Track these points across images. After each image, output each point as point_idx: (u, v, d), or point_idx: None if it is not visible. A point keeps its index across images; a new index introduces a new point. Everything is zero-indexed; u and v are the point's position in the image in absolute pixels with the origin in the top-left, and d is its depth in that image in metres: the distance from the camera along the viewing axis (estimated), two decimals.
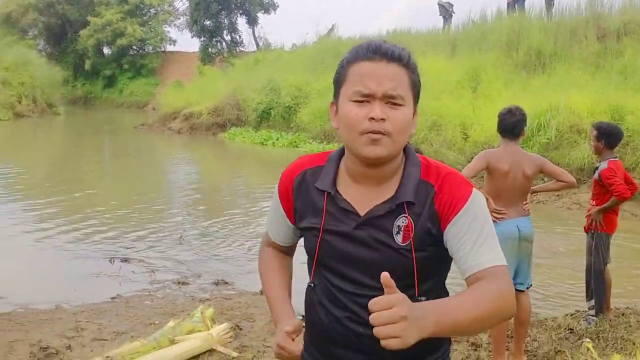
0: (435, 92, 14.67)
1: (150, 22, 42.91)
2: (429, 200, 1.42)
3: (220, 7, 41.05)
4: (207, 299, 5.20)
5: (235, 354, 3.92)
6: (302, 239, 1.61)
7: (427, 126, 13.48)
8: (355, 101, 1.39)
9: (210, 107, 22.38)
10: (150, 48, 43.13)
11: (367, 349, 1.46)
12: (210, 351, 3.94)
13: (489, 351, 4.05)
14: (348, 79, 1.41)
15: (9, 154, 16.57)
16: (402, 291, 1.26)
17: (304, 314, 1.64)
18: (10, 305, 5.00)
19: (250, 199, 10.90)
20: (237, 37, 43.32)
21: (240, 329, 4.44)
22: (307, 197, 1.53)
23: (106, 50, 44.17)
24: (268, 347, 4.14)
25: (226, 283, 5.79)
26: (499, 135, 3.99)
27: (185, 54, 44.14)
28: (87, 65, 42.85)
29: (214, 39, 42.46)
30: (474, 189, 1.44)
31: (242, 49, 41.98)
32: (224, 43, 42.88)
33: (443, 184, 1.43)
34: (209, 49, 41.64)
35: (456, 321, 1.22)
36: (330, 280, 1.50)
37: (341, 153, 1.54)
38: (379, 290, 1.28)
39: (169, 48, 45.04)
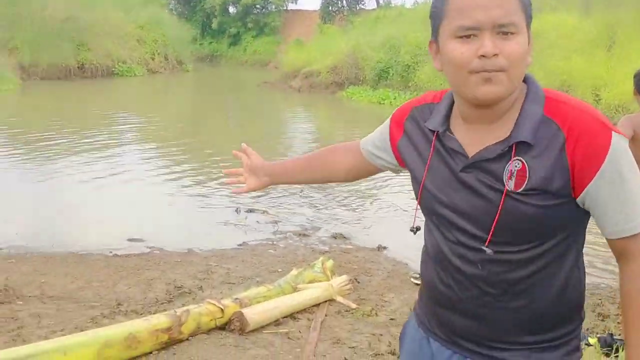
0: (565, 51, 13.86)
1: None
2: (556, 147, 1.19)
3: None
4: (327, 252, 5.38)
5: (354, 306, 4.06)
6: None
7: (556, 86, 12.81)
8: (460, 37, 1.19)
9: (329, 65, 22.53)
10: (273, 7, 43.84)
11: (473, 313, 1.30)
12: (330, 301, 4.11)
13: (618, 322, 3.92)
14: (448, 12, 1.21)
15: (144, 108, 17.71)
16: (506, 246, 1.23)
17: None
18: (148, 248, 5.46)
19: None
20: None
21: (359, 282, 4.57)
22: (418, 131, 1.39)
23: (232, 9, 45.43)
24: (386, 301, 4.26)
25: (344, 237, 5.95)
26: (635, 97, 3.72)
27: (306, 12, 44.49)
28: (214, 24, 44.45)
29: None
30: (613, 133, 1.18)
31: (363, 7, 41.63)
32: (344, 1, 42.68)
33: (575, 128, 1.18)
34: (330, 8, 41.65)
35: None
36: (435, 227, 1.36)
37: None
38: (483, 241, 1.24)
39: (291, 7, 45.63)
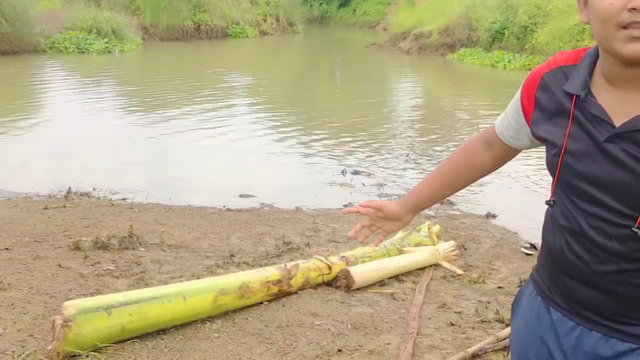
0: None
1: None
2: None
3: None
4: (433, 216, 5.34)
5: (460, 272, 4.02)
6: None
7: None
8: None
9: (441, 26, 21.89)
10: None
11: (604, 287, 1.22)
12: (436, 265, 4.09)
13: None
14: None
15: (255, 69, 18.13)
16: None
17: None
18: (259, 204, 5.66)
19: (476, 125, 10.69)
20: None
21: (465, 249, 4.51)
22: (552, 99, 1.29)
23: None
24: (494, 269, 4.18)
25: (451, 203, 5.86)
26: None
27: None
28: None
29: None
30: None
31: None
32: None
33: None
34: None
35: None
36: (571, 199, 1.25)
37: (597, 51, 1.25)
38: (629, 219, 1.15)
39: None
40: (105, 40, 19.52)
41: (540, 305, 1.38)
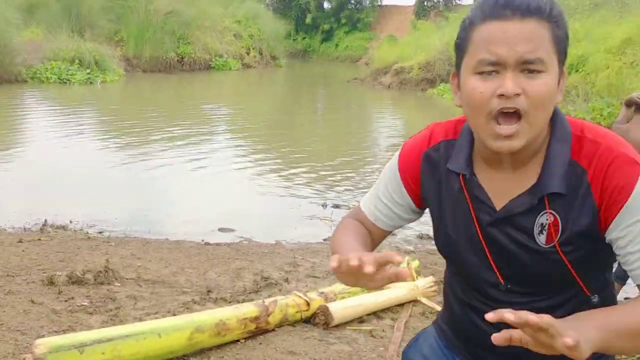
0: None
1: None
2: (584, 192, 1.11)
3: None
4: (412, 252, 5.34)
5: (439, 308, 4.00)
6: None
7: None
8: (480, 73, 1.08)
9: (421, 62, 22.23)
10: (368, 2, 43.82)
11: (504, 352, 1.18)
12: (415, 302, 4.07)
13: None
14: (471, 45, 1.10)
15: (237, 101, 18.20)
16: (566, 294, 1.18)
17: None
18: (238, 238, 5.62)
19: None
20: None
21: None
22: (438, 177, 1.27)
23: (326, 5, 45.78)
24: None
25: (430, 238, 5.87)
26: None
27: (401, 7, 44.13)
28: (308, 19, 44.89)
29: None
30: None
31: (459, 2, 40.77)
32: None
33: (600, 166, 1.10)
34: (425, 3, 41.10)
35: (620, 333, 1.04)
36: (458, 273, 1.34)
37: None
38: (515, 294, 1.21)
39: (385, 2, 45.41)
40: (87, 71, 19.51)
41: (445, 352, 1.42)
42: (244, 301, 3.78)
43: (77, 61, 19.58)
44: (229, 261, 4.83)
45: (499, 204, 1.17)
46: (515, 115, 1.06)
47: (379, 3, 44.53)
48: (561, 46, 1.09)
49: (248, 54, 29.85)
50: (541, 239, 1.14)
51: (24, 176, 7.70)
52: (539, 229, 1.14)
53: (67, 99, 16.27)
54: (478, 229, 1.20)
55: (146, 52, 24.53)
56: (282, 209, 6.82)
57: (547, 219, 1.13)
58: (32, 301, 3.67)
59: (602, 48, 15.58)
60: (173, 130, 11.66)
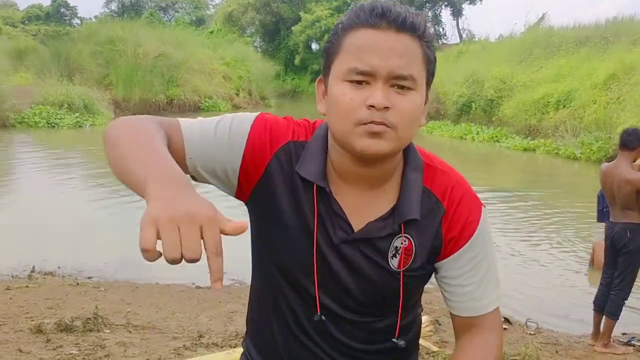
0: None
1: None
2: (436, 221, 1.13)
3: None
4: None
5: (435, 348, 3.94)
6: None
7: None
8: (351, 81, 1.03)
9: None
10: None
11: None
12: None
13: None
14: (343, 50, 1.05)
15: None
16: (382, 318, 1.17)
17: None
18: (229, 280, 5.54)
19: None
20: (440, 29, 42.93)
21: (440, 324, 4.44)
22: (287, 177, 1.14)
23: (314, 46, 46.42)
24: None
25: None
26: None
27: None
28: (297, 60, 45.47)
29: None
30: (483, 208, 1.16)
31: (445, 42, 41.55)
32: None
33: (453, 201, 1.13)
34: None
35: None
36: (287, 291, 1.19)
37: (326, 137, 1.15)
38: (360, 314, 1.17)
39: None
40: (76, 114, 19.55)
41: None
42: (236, 346, 3.70)
43: (66, 105, 19.63)
44: (221, 304, 4.76)
45: (355, 222, 1.12)
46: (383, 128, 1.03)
47: None
48: (430, 67, 1.07)
49: (237, 94, 30.08)
50: (394, 263, 1.13)
51: (11, 222, 7.60)
52: (393, 252, 1.13)
53: (55, 143, 16.24)
54: (315, 245, 1.12)
55: (135, 94, 24.65)
56: None
57: (402, 243, 1.12)
58: (20, 350, 3.57)
59: (587, 84, 15.83)
60: None
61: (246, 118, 1.15)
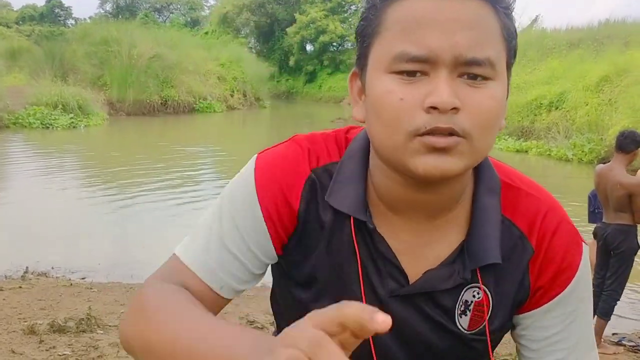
0: None
1: (350, 19, 44.36)
2: (522, 264, 0.82)
3: None
4: None
5: None
6: None
7: None
8: (400, 73, 0.71)
9: None
10: (350, 44, 44.55)
11: None
12: None
13: None
14: (385, 29, 0.73)
15: (222, 143, 18.24)
16: None
17: None
18: None
19: None
20: None
21: None
22: (317, 215, 0.84)
23: (309, 47, 46.55)
24: None
25: None
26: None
27: None
28: (291, 61, 45.60)
29: None
30: (584, 245, 0.83)
31: None
32: None
33: (543, 230, 0.81)
34: None
35: None
36: None
37: (366, 152, 0.84)
38: None
39: None
40: (71, 115, 19.52)
41: None
42: None
43: (60, 106, 19.59)
44: None
45: (410, 268, 0.82)
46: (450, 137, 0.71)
47: None
48: (512, 44, 0.75)
49: (232, 96, 30.09)
50: (464, 322, 0.82)
51: (4, 222, 7.60)
52: (462, 308, 0.82)
53: (49, 144, 16.21)
54: (364, 298, 0.82)
55: (130, 95, 24.62)
56: None
57: (475, 296, 0.82)
58: (13, 351, 3.58)
59: (580, 86, 15.92)
60: (156, 174, 11.62)
61: (242, 190, 0.84)
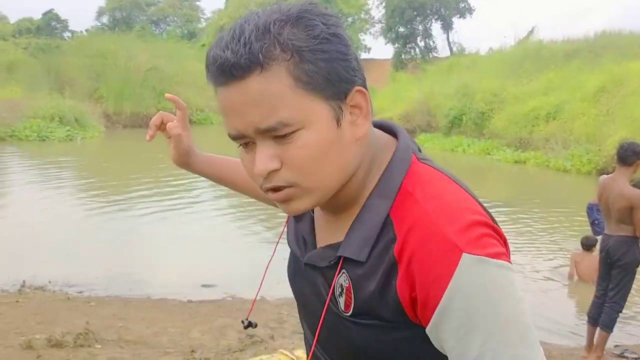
0: None
1: (346, 31, 44.52)
2: (387, 262, 0.84)
3: (415, 13, 41.31)
4: None
5: None
6: None
7: None
8: (239, 145, 0.88)
9: (401, 113, 22.61)
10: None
11: None
12: None
13: None
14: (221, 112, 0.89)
15: (219, 154, 18.17)
16: None
17: None
18: (222, 294, 5.51)
19: None
20: (431, 42, 43.25)
21: None
22: None
23: None
24: None
25: None
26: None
27: (379, 61, 45.06)
28: None
29: (407, 46, 42.81)
30: (464, 256, 0.77)
31: (435, 55, 41.83)
32: (417, 49, 43.05)
33: (414, 238, 0.81)
34: (402, 56, 42.07)
35: None
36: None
37: None
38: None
39: (363, 56, 46.36)
40: (67, 128, 19.51)
41: None
42: None
43: (57, 118, 19.59)
44: (213, 319, 4.72)
45: (318, 246, 0.96)
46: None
47: (357, 56, 45.45)
48: (317, 78, 0.81)
49: None
50: (340, 302, 0.89)
51: (1, 236, 7.54)
52: (340, 290, 0.89)
53: (46, 156, 16.17)
54: (299, 253, 1.01)
55: (126, 108, 24.65)
56: (266, 264, 6.71)
57: (344, 282, 0.88)
58: None
59: (577, 96, 15.98)
60: (153, 186, 11.59)
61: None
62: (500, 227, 0.87)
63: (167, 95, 1.38)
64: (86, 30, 54.06)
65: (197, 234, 7.91)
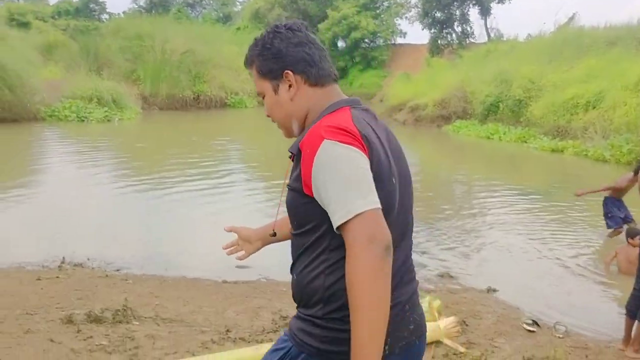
0: None
1: (382, 15, 44.06)
2: (298, 152, 1.48)
3: None
4: (433, 291, 5.24)
5: (462, 349, 3.90)
6: None
7: None
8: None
9: (436, 99, 22.36)
10: (381, 41, 44.26)
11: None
12: (437, 342, 3.98)
13: None
14: None
15: (253, 137, 18.24)
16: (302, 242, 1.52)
17: None
18: (256, 275, 5.55)
19: (472, 194, 10.71)
20: (468, 28, 42.44)
21: (467, 325, 4.40)
22: None
23: (340, 44, 46.30)
24: (496, 347, 4.07)
25: (451, 277, 5.77)
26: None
27: (414, 46, 44.51)
28: None
29: (444, 31, 42.17)
30: (324, 141, 1.40)
31: (473, 41, 41.07)
32: (454, 35, 42.36)
33: (304, 141, 1.45)
34: (439, 41, 41.46)
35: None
36: None
37: None
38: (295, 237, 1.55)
39: (399, 41, 45.87)
40: (105, 109, 19.80)
41: None
42: (262, 341, 3.72)
43: (95, 99, 19.89)
44: (247, 300, 4.78)
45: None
46: None
47: (393, 42, 44.98)
48: (264, 70, 1.60)
49: None
50: (289, 178, 1.55)
51: (41, 214, 7.73)
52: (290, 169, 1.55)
53: (85, 137, 16.47)
54: None
55: (162, 90, 24.88)
56: None
57: (291, 167, 1.53)
58: (51, 340, 3.63)
59: (618, 85, 15.55)
60: (189, 167, 11.72)
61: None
62: (371, 140, 1.47)
63: (225, 227, 2.20)
64: (123, 13, 54.65)
65: (232, 215, 7.97)
